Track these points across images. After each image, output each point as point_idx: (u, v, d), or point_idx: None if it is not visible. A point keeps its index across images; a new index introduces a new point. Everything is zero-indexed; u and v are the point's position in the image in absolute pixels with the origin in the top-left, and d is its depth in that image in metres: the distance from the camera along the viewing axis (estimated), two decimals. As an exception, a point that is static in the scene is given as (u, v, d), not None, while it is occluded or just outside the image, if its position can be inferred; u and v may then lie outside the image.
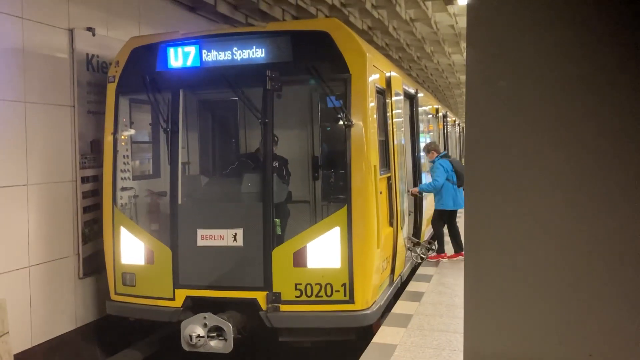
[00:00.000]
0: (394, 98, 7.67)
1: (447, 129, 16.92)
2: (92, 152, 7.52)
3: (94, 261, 7.49)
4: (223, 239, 6.30)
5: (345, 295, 6.07)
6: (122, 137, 7.19)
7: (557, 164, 1.56)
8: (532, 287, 1.60)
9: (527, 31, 1.61)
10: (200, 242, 6.37)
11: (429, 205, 10.95)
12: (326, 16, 11.56)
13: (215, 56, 6.49)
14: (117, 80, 6.93)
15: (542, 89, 1.59)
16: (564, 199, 1.56)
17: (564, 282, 1.57)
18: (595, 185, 1.53)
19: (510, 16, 1.61)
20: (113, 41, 7.77)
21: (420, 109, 10.36)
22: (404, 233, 8.13)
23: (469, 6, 1.67)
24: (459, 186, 9.23)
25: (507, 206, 1.60)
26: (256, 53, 6.38)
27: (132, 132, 7.58)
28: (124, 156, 7.18)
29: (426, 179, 10.41)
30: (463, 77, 24.05)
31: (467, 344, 1.66)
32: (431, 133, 13.45)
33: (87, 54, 7.47)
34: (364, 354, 5.52)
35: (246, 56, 6.41)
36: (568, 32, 1.58)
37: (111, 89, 6.97)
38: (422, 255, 9.17)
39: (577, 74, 1.57)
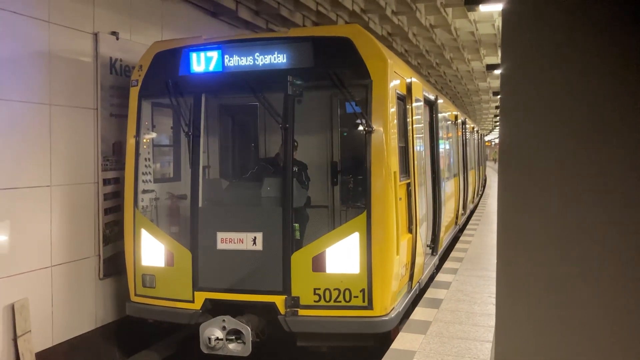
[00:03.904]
0: (414, 104, 7.66)
1: (466, 136, 16.83)
2: (114, 155, 7.62)
3: (114, 262, 7.57)
4: (243, 243, 6.33)
5: (364, 301, 6.06)
6: (144, 140, 7.26)
7: (593, 171, 1.55)
8: (567, 297, 1.58)
9: (563, 36, 1.60)
10: (220, 245, 6.40)
11: (447, 211, 10.91)
12: (346, 22, 11.59)
13: (237, 61, 6.54)
14: (140, 84, 7.00)
15: (578, 94, 1.58)
16: (602, 207, 1.54)
17: (600, 293, 1.56)
18: (635, 193, 1.51)
19: (546, 20, 1.61)
20: (136, 45, 7.87)
21: (439, 115, 10.32)
22: (423, 239, 8.09)
23: (504, 11, 1.67)
24: None
25: (542, 214, 1.59)
26: (278, 58, 6.41)
27: (154, 135, 7.66)
28: (145, 159, 7.26)
29: (445, 185, 10.37)
30: (482, 84, 23.93)
31: (499, 355, 1.65)
32: (450, 139, 13.40)
33: (111, 58, 7.58)
34: (382, 360, 5.50)
35: (268, 61, 6.44)
36: (607, 38, 1.56)
37: (134, 92, 7.05)
38: None
39: (615, 79, 1.55)
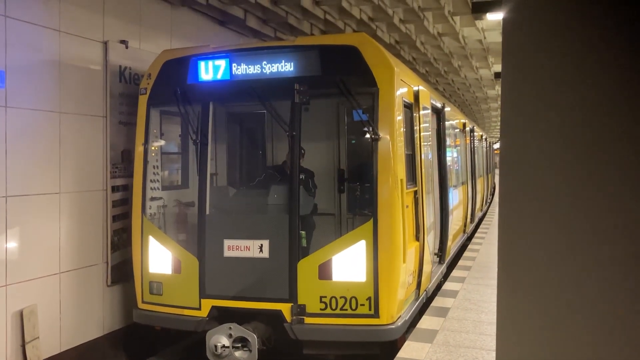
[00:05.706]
0: (421, 112, 7.67)
1: (474, 144, 16.79)
2: (122, 162, 7.67)
3: (121, 269, 7.61)
4: (249, 250, 6.35)
5: (370, 309, 6.05)
6: (153, 148, 7.31)
7: (594, 178, 1.55)
8: (567, 303, 1.57)
9: (564, 45, 1.61)
10: (227, 253, 6.42)
11: (455, 219, 10.87)
12: (354, 30, 11.62)
13: (244, 70, 6.58)
14: (148, 92, 7.06)
15: (579, 102, 1.58)
16: (602, 213, 1.54)
17: (601, 299, 1.55)
18: (636, 200, 1.50)
19: (547, 29, 1.61)
20: (145, 54, 7.94)
21: (447, 123, 10.32)
22: (430, 248, 8.07)
23: (504, 20, 1.68)
24: None
25: (542, 220, 1.59)
26: (285, 67, 6.45)
27: (162, 143, 7.71)
28: (153, 166, 7.30)
29: (453, 193, 10.35)
30: (490, 92, 23.87)
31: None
32: (458, 147, 13.38)
33: (120, 66, 7.65)
34: (388, 368, 5.48)
35: (275, 70, 6.48)
36: (608, 46, 1.57)
37: (143, 100, 7.11)
38: None
39: (617, 87, 1.55)
